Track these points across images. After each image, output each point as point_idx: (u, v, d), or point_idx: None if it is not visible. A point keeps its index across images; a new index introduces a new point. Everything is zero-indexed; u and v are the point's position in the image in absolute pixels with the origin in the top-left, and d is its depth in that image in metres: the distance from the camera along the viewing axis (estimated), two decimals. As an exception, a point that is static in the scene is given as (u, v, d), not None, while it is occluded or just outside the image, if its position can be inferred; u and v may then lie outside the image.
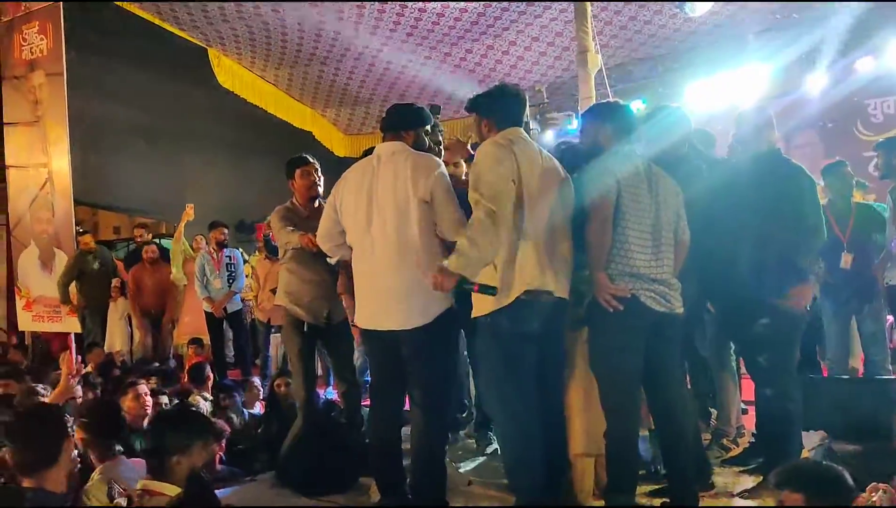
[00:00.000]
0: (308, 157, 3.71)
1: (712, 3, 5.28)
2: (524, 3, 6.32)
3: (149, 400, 3.95)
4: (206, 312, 6.63)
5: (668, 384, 2.79)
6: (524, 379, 2.67)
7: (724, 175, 3.17)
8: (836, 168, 4.58)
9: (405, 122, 3.02)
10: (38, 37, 7.45)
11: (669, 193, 2.82)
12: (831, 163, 4.76)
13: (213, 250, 6.66)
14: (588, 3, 3.91)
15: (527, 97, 2.96)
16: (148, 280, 7.20)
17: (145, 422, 4.03)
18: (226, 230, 6.74)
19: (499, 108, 2.82)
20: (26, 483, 2.27)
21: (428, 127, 3.09)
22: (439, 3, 6.43)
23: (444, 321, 2.81)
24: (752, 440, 3.47)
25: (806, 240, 3.03)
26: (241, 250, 7.24)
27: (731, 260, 3.04)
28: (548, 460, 2.68)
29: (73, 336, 3.27)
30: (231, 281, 6.61)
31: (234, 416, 4.59)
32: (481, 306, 2.67)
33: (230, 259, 6.65)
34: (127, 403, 3.97)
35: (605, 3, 6.09)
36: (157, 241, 8.14)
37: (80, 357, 3.13)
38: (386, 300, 2.85)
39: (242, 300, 7.04)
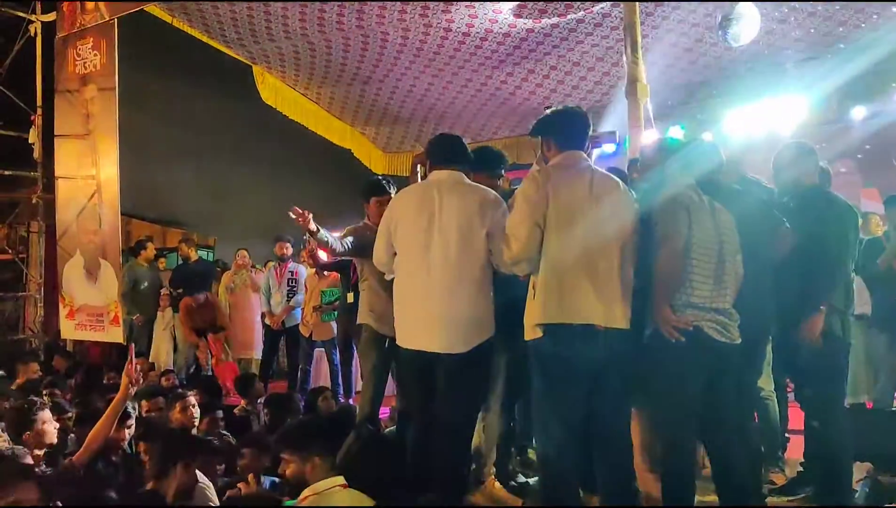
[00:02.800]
0: (386, 185, 3.82)
1: (754, 33, 5.35)
2: (566, 29, 6.45)
3: (196, 412, 4.07)
4: (264, 324, 6.79)
5: (726, 417, 2.82)
6: (565, 403, 2.72)
7: (768, 209, 3.24)
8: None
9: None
10: (93, 52, 7.72)
11: (728, 225, 2.88)
12: (893, 197, 4.78)
13: (276, 265, 6.83)
14: (639, 35, 4.01)
15: (589, 119, 2.99)
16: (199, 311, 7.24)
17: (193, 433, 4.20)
18: (289, 244, 6.86)
19: (560, 130, 2.90)
20: None
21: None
22: (483, 29, 6.58)
23: (481, 351, 2.94)
24: (801, 469, 3.50)
25: (827, 273, 3.07)
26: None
27: (778, 293, 3.10)
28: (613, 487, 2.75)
29: (133, 346, 3.40)
30: (291, 295, 6.76)
31: None
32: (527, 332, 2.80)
33: (292, 274, 6.82)
34: (175, 415, 4.14)
35: (646, 31, 6.19)
36: (203, 254, 8.28)
37: (139, 366, 3.26)
38: (434, 323, 2.96)
39: None
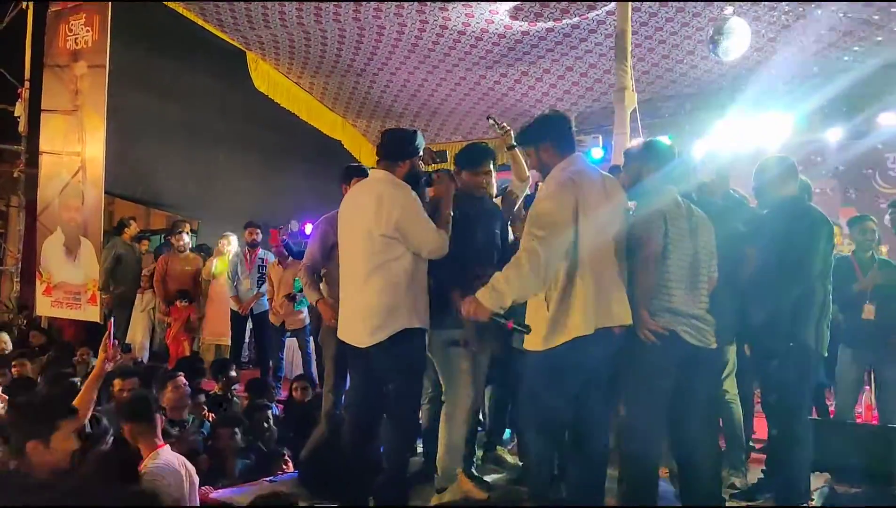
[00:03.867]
0: (360, 172, 3.78)
1: (745, 48, 5.43)
2: (561, 34, 6.50)
3: (187, 391, 4.08)
4: (231, 310, 6.75)
5: (693, 418, 2.89)
6: (564, 402, 2.78)
7: (748, 221, 3.30)
8: (860, 222, 4.71)
9: (402, 151, 3.16)
10: (85, 29, 7.64)
11: (705, 231, 2.95)
12: (858, 216, 4.89)
13: (245, 250, 6.77)
14: (629, 44, 4.06)
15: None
16: (174, 268, 7.24)
17: (185, 412, 4.21)
18: (258, 231, 6.83)
19: (558, 135, 2.90)
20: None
21: (421, 154, 3.25)
22: (478, 28, 6.62)
23: (396, 341, 2.96)
24: (762, 475, 3.57)
25: (793, 280, 3.12)
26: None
27: (749, 300, 3.17)
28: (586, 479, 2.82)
29: (112, 321, 3.37)
30: (261, 282, 6.72)
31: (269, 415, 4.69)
32: (531, 341, 2.78)
33: (262, 261, 6.76)
34: (167, 395, 4.15)
35: (639, 41, 6.26)
36: (187, 229, 8.20)
37: (117, 342, 3.22)
38: (349, 316, 3.11)
39: None
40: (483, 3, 6.22)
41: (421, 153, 3.24)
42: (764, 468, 3.54)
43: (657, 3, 5.79)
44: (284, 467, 4.03)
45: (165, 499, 2.66)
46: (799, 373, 3.13)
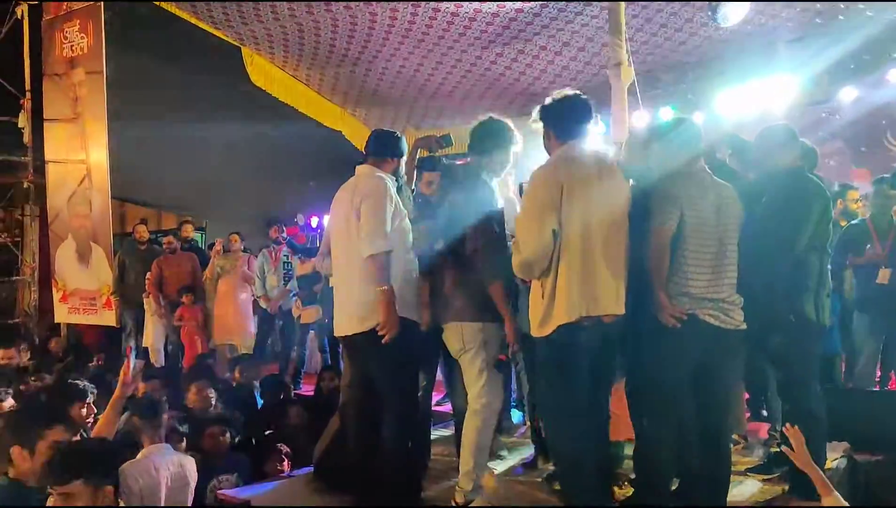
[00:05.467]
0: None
1: (744, 12, 5.29)
2: (556, 9, 6.38)
3: (211, 393, 4.20)
4: (259, 307, 6.83)
5: (717, 400, 2.92)
6: (577, 386, 2.78)
7: (743, 191, 3.20)
8: (880, 183, 4.59)
9: (386, 148, 3.23)
10: (79, 35, 7.68)
11: (733, 215, 2.89)
12: (879, 177, 4.77)
13: (271, 248, 6.84)
14: (623, 17, 3.97)
15: (591, 107, 2.96)
16: (172, 270, 7.36)
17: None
18: (282, 227, 6.89)
19: (562, 119, 2.88)
20: None
21: (405, 156, 3.31)
22: (471, 9, 6.51)
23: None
24: (778, 449, 3.54)
25: (810, 260, 3.10)
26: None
27: (750, 276, 3.12)
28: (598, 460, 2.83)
29: (132, 348, 3.40)
30: (287, 279, 6.83)
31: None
32: (532, 327, 2.82)
33: (287, 257, 6.87)
34: (190, 398, 4.36)
35: (636, 11, 6.13)
36: (176, 231, 8.27)
37: (135, 365, 3.25)
38: (337, 309, 3.19)
39: None
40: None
41: (405, 157, 3.26)
42: (779, 441, 3.51)
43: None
44: (279, 465, 4.05)
45: (130, 498, 2.75)
46: (802, 345, 3.10)
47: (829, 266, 3.20)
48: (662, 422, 2.83)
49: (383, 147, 3.22)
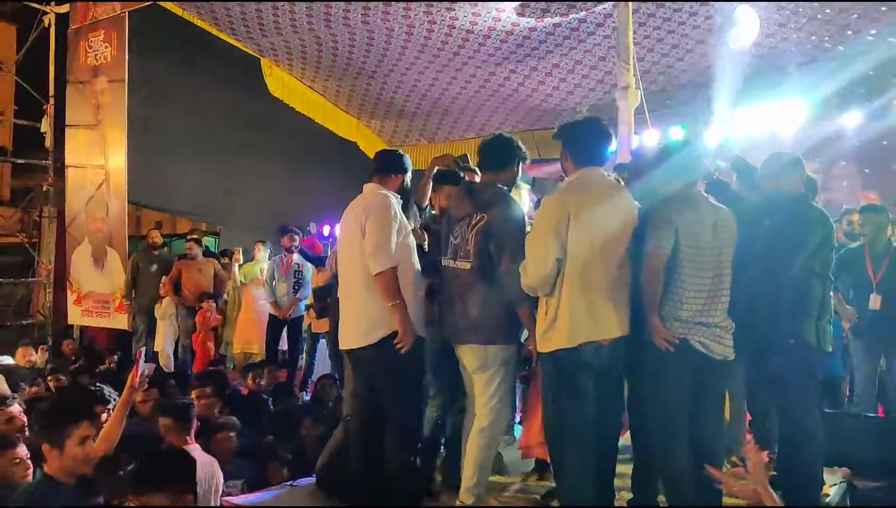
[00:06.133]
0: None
1: (754, 35, 5.36)
2: (568, 28, 6.48)
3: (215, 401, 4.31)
4: (270, 314, 6.89)
5: (708, 423, 2.92)
6: (578, 405, 2.82)
7: (746, 215, 3.22)
8: (874, 211, 4.65)
9: (390, 166, 3.34)
10: (104, 44, 7.87)
11: (728, 239, 2.91)
12: (871, 205, 4.81)
13: (282, 256, 6.91)
14: (630, 41, 4.05)
15: (611, 133, 3.00)
16: (193, 274, 7.48)
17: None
18: (295, 236, 6.92)
19: (580, 142, 2.93)
20: None
21: (409, 173, 3.39)
22: (486, 27, 6.63)
23: (384, 344, 3.06)
24: (773, 472, 3.56)
25: (812, 286, 3.13)
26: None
27: (753, 298, 3.14)
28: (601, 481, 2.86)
29: (142, 352, 3.48)
30: (297, 288, 6.86)
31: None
32: (540, 345, 2.88)
33: (298, 266, 6.90)
34: (198, 402, 4.36)
35: (648, 32, 6.22)
36: (197, 237, 8.42)
37: (144, 370, 3.32)
38: (342, 323, 3.26)
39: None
40: (489, 2, 6.23)
41: (409, 173, 3.36)
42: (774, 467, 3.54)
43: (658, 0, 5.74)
44: (278, 472, 4.10)
45: None
46: (802, 370, 3.12)
47: (830, 292, 3.24)
48: (668, 444, 2.85)
49: (387, 165, 3.33)
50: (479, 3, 6.26)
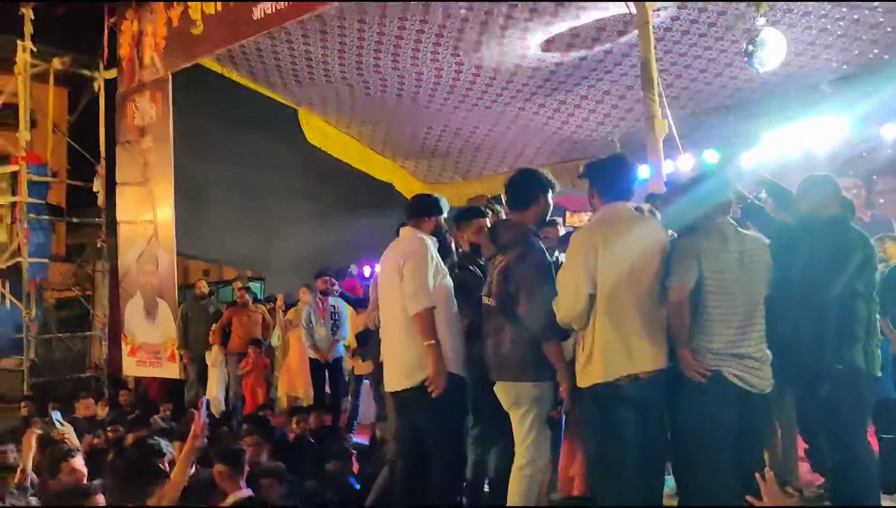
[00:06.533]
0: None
1: (781, 57, 5.33)
2: (594, 61, 6.56)
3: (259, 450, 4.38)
4: (310, 359, 7.01)
5: (751, 455, 2.91)
6: (619, 440, 2.82)
7: (783, 240, 3.22)
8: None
9: (424, 210, 3.47)
10: (150, 105, 8.27)
11: (760, 267, 2.90)
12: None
13: (318, 299, 7.04)
14: (654, 72, 4.11)
15: (636, 169, 3.08)
16: (243, 321, 7.67)
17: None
18: (330, 279, 7.07)
19: (607, 179, 2.99)
20: None
21: (445, 214, 3.50)
22: (513, 64, 6.76)
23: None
24: (826, 502, 3.46)
25: (857, 309, 3.09)
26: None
27: (796, 325, 3.12)
28: None
29: (204, 401, 3.60)
30: (335, 329, 6.98)
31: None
32: (579, 380, 2.91)
33: (334, 308, 7.03)
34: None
35: (675, 59, 6.25)
36: (248, 285, 8.66)
37: (206, 421, 3.43)
38: (386, 365, 3.37)
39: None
40: (515, 41, 6.36)
41: (445, 213, 3.47)
42: (827, 496, 3.44)
43: (687, 22, 5.78)
44: None
45: None
46: (853, 395, 3.07)
47: (877, 314, 3.18)
48: (712, 480, 2.80)
49: (422, 209, 3.47)
50: (505, 42, 6.40)
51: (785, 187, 3.70)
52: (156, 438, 3.82)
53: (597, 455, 2.92)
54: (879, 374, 3.20)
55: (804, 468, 4.00)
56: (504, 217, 3.63)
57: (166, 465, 3.63)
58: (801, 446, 3.97)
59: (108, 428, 6.01)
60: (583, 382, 2.87)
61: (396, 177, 9.58)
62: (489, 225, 3.65)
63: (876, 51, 5.73)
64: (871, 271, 3.16)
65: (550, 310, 2.96)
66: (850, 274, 3.08)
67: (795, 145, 6.52)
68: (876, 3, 5.26)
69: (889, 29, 5.60)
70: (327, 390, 7.30)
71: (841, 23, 5.55)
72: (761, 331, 2.86)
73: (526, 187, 3.24)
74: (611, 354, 2.77)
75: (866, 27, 5.57)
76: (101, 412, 7.45)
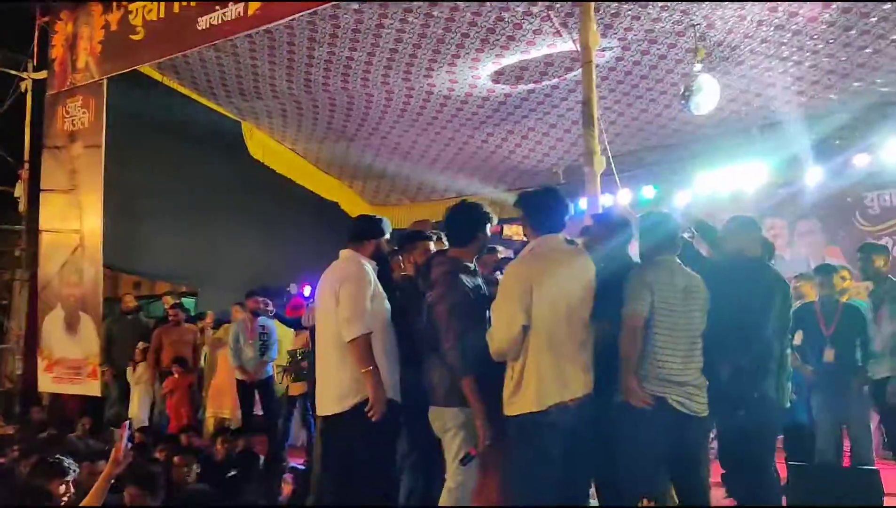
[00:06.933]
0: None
1: (715, 102, 5.63)
2: (542, 94, 6.74)
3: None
4: (237, 379, 6.79)
5: (695, 476, 3.03)
6: (544, 469, 2.88)
7: (708, 278, 3.35)
8: (826, 271, 4.94)
9: (365, 232, 3.45)
10: (81, 110, 7.90)
11: (700, 301, 3.07)
12: (823, 265, 5.15)
13: (247, 319, 6.85)
14: (595, 110, 4.26)
15: (568, 203, 3.12)
16: (172, 341, 7.37)
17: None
18: (260, 299, 6.89)
19: (538, 213, 3.07)
20: None
21: (387, 236, 3.49)
22: (463, 92, 6.86)
23: (358, 411, 3.13)
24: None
25: (772, 344, 3.31)
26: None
27: (719, 358, 3.26)
28: None
29: (127, 424, 3.40)
30: (264, 350, 6.79)
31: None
32: (506, 409, 2.94)
33: (263, 328, 6.83)
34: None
35: (618, 98, 6.50)
36: (181, 302, 8.34)
37: (129, 444, 3.25)
38: (321, 389, 3.35)
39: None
40: (466, 70, 6.46)
41: (387, 235, 3.48)
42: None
43: (630, 63, 6.02)
44: None
45: None
46: (764, 423, 3.29)
47: (788, 350, 3.42)
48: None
49: (362, 231, 3.45)
50: (456, 70, 6.49)
51: (712, 226, 3.92)
52: (58, 457, 3.58)
53: (520, 484, 2.94)
54: (788, 405, 3.47)
55: (719, 493, 4.15)
56: (442, 248, 3.63)
57: (70, 486, 3.44)
58: (717, 471, 4.12)
59: (16, 447, 5.64)
60: (511, 410, 2.91)
61: (342, 197, 9.49)
62: (429, 251, 3.67)
63: (802, 98, 6.12)
64: (786, 310, 3.43)
65: (468, 347, 3.02)
66: (767, 312, 3.30)
67: (725, 186, 6.87)
68: (805, 55, 5.63)
69: (814, 80, 6.01)
70: (258, 412, 7.11)
71: (771, 73, 5.91)
72: (700, 361, 3.03)
73: (467, 225, 3.27)
74: (544, 383, 2.83)
75: (793, 78, 5.96)
76: (8, 428, 6.99)
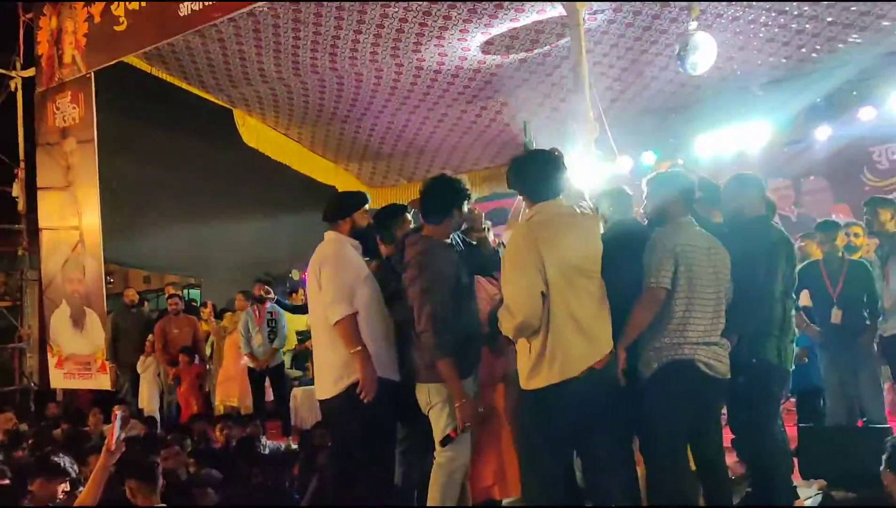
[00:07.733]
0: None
1: (712, 60, 5.42)
2: (535, 63, 6.56)
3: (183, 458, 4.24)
4: (248, 367, 6.81)
5: (712, 440, 2.99)
6: (558, 445, 2.81)
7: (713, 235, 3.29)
8: (828, 228, 4.75)
9: (337, 212, 3.33)
10: (71, 106, 7.85)
11: (722, 261, 2.97)
12: (825, 222, 4.92)
13: (255, 307, 6.84)
14: (586, 73, 4.11)
15: (560, 161, 2.92)
16: (173, 331, 7.42)
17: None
18: (267, 287, 6.92)
19: (530, 181, 2.87)
20: None
21: (364, 208, 3.36)
22: (453, 66, 6.69)
23: (354, 392, 3.06)
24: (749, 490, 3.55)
25: (774, 307, 3.21)
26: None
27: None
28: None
29: (117, 414, 3.38)
30: (273, 337, 6.80)
31: None
32: (522, 380, 2.84)
33: (272, 315, 6.87)
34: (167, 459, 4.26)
35: (612, 62, 6.30)
36: (180, 293, 8.37)
37: (122, 435, 3.22)
38: (318, 373, 3.33)
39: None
40: (455, 42, 6.28)
41: (364, 207, 3.35)
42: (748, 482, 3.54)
43: (623, 26, 5.82)
44: None
45: None
46: (763, 388, 3.20)
47: (793, 311, 3.28)
48: (673, 467, 2.84)
49: (334, 212, 3.33)
50: (445, 42, 6.32)
51: (716, 184, 3.76)
52: (60, 456, 3.57)
53: (530, 459, 2.86)
54: (791, 369, 3.33)
55: (731, 457, 4.07)
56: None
57: (62, 485, 3.45)
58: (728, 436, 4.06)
59: (31, 442, 5.69)
60: (533, 384, 2.75)
61: (339, 180, 9.37)
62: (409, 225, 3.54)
63: (804, 51, 5.90)
64: (790, 271, 3.27)
65: (444, 329, 2.93)
66: (770, 274, 3.17)
67: (729, 147, 6.67)
68: (805, 8, 5.40)
69: (815, 34, 5.77)
70: (270, 398, 7.15)
71: (768, 27, 5.68)
72: (723, 321, 2.93)
73: (441, 201, 3.14)
74: (571, 351, 2.70)
75: (793, 32, 5.73)
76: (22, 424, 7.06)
